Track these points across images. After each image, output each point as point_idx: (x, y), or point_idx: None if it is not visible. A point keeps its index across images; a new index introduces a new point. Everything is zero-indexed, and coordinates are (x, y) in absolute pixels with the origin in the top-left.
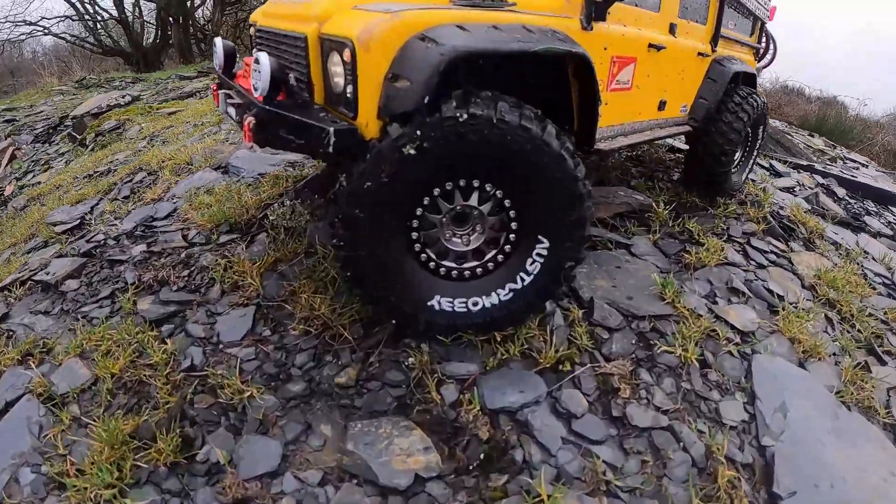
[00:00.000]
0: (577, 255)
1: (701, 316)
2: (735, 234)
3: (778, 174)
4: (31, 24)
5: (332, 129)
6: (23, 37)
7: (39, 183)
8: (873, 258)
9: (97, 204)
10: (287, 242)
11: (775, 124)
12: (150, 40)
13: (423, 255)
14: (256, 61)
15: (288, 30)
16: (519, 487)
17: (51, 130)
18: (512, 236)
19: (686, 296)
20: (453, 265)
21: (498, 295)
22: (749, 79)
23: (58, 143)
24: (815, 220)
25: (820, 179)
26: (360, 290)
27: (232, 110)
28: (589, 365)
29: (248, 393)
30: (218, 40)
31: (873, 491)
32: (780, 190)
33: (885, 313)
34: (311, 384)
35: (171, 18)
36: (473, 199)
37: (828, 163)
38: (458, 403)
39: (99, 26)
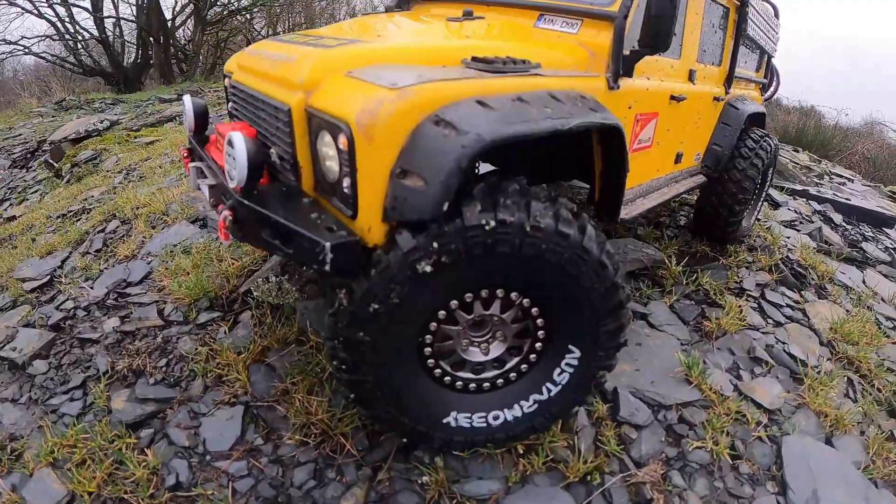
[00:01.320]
0: (611, 362)
1: (727, 397)
2: (749, 287)
3: (776, 204)
4: (10, 43)
5: (328, 245)
6: (3, 56)
7: (14, 217)
8: (882, 299)
9: (68, 257)
10: (275, 326)
11: None
12: (131, 60)
13: (437, 370)
14: (230, 143)
15: (268, 95)
16: None
17: (28, 155)
18: (538, 345)
19: (711, 374)
20: (471, 376)
21: (521, 407)
22: (759, 119)
23: (35, 170)
24: (824, 262)
25: (816, 206)
26: (367, 413)
27: (205, 189)
28: (620, 475)
29: None
30: (187, 98)
31: None
32: (782, 225)
33: None
34: None
35: (151, 38)
36: (495, 308)
37: (816, 181)
38: None
39: (79, 46)
